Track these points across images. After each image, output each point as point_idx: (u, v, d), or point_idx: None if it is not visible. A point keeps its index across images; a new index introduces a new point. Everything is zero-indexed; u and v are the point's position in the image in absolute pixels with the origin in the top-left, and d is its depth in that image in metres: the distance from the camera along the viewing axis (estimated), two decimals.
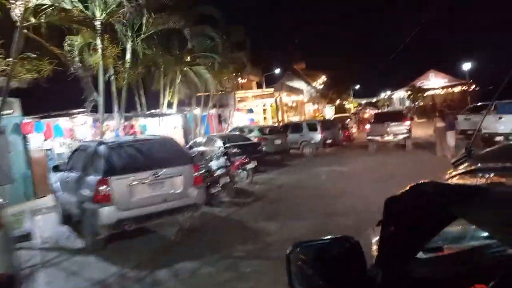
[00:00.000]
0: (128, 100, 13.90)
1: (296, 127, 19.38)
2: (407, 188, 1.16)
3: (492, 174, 1.23)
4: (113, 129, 12.14)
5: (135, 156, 6.17)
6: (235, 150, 14.02)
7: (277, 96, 26.42)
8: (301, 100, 36.10)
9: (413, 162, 13.40)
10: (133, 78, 13.35)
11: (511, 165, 1.20)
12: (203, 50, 16.08)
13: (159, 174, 6.11)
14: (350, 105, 73.36)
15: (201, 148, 14.47)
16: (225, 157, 12.20)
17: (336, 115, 32.95)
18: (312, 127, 18.64)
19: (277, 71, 35.73)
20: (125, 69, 12.02)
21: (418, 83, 53.33)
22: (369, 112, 66.39)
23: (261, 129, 17.36)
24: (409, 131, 17.07)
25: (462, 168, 1.54)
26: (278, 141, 17.13)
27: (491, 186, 1.13)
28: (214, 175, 9.87)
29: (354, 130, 27.08)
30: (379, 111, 30.95)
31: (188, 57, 15.80)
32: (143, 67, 14.31)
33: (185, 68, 15.71)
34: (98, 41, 10.38)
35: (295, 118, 34.47)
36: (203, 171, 9.59)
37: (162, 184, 6.20)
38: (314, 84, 55.52)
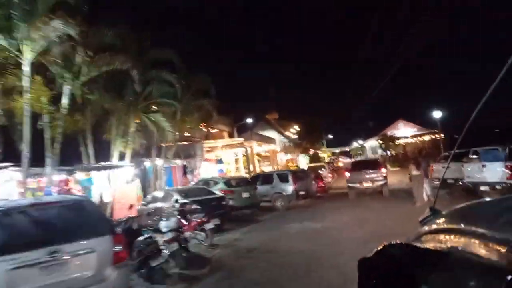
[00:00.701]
0: (73, 152, 12.12)
1: (266, 178, 17.89)
2: (377, 249, 1.23)
3: (453, 236, 1.26)
4: (44, 185, 10.19)
5: (26, 228, 4.39)
6: (194, 206, 12.30)
7: (248, 145, 25.13)
8: (274, 149, 35.04)
9: (393, 214, 12.03)
10: (73, 126, 11.63)
11: (473, 227, 1.19)
12: (162, 97, 14.74)
13: (58, 252, 4.34)
14: (325, 154, 73.48)
15: (158, 204, 12.62)
16: (178, 216, 10.43)
17: (310, 165, 31.86)
18: (283, 178, 17.20)
19: (249, 120, 34.89)
20: (59, 116, 10.35)
21: (388, 132, 54.10)
22: (343, 161, 66.93)
23: (227, 181, 15.74)
24: (386, 178, 17.75)
25: (427, 228, 1.53)
26: (246, 194, 15.49)
27: (452, 251, 1.15)
28: (163, 240, 8.03)
29: (329, 179, 25.82)
30: (356, 159, 30.67)
31: (144, 104, 14.35)
32: (93, 114, 12.78)
33: (140, 117, 14.18)
34: (24, 82, 8.80)
35: (268, 168, 33.18)
36: (143, 237, 7.79)
37: (63, 266, 4.40)
38: (286, 133, 55.27)
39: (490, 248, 1.01)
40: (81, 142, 13.18)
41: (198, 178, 20.21)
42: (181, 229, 9.24)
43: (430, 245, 1.29)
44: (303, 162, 48.95)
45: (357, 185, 17.72)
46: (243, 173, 26.75)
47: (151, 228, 8.65)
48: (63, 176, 11.17)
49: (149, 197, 14.31)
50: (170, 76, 14.20)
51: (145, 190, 16.65)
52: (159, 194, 13.88)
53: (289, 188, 16.81)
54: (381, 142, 52.65)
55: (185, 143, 24.63)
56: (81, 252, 4.54)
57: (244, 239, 11.04)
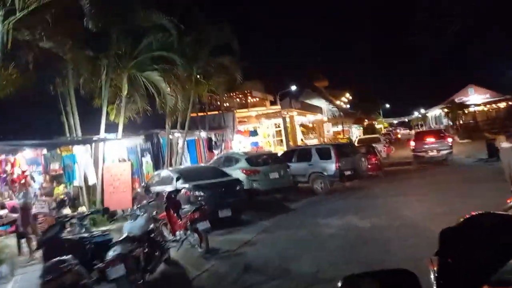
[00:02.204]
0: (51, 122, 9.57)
1: (303, 154, 14.36)
2: (464, 219, 1.20)
3: None
4: None
5: None
6: (197, 192, 9.27)
7: (286, 114, 21.54)
8: (320, 119, 31.00)
9: (485, 201, 8.03)
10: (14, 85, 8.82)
11: None
12: (163, 50, 11.56)
13: None
14: (381, 125, 67.46)
15: (165, 188, 9.77)
16: (155, 212, 7.46)
17: (362, 137, 27.58)
18: (324, 153, 13.56)
19: (294, 87, 30.94)
20: None
21: (456, 99, 47.42)
22: (401, 133, 60.86)
23: (251, 158, 12.50)
24: (451, 147, 18.38)
25: None
26: (274, 175, 12.18)
27: None
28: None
29: (384, 155, 21.59)
30: (419, 130, 28.27)
31: (140, 60, 11.25)
32: (76, 74, 10.05)
33: (135, 77, 11.10)
34: None
35: (314, 141, 29.43)
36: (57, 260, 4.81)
37: None
38: (337, 102, 50.48)
39: None
40: (62, 110, 10.54)
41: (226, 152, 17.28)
42: (153, 234, 6.24)
43: None
44: (356, 134, 44.24)
45: (423, 153, 18.36)
46: (284, 146, 23.29)
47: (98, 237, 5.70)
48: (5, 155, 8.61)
49: (153, 178, 11.52)
50: (168, 22, 10.88)
51: (158, 167, 14.01)
52: (164, 174, 11.02)
53: (331, 166, 13.18)
54: (447, 110, 46.26)
55: (214, 112, 21.70)
56: None
57: (258, 243, 7.82)
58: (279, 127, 25.18)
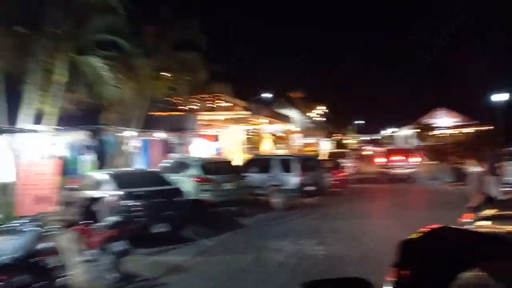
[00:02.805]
0: None
1: (264, 164, 13.12)
2: (424, 231, 1.27)
3: (508, 223, 1.34)
4: None
5: None
6: (131, 203, 7.86)
7: (254, 121, 20.31)
8: (290, 129, 30.00)
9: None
10: None
11: None
12: (107, 33, 10.05)
13: None
14: (353, 141, 67.59)
15: (95, 193, 8.18)
16: (42, 229, 5.92)
17: (330, 151, 26.80)
18: (286, 165, 12.38)
19: (266, 95, 29.82)
20: None
21: (425, 121, 48.10)
22: (371, 149, 61.14)
23: (205, 165, 11.12)
24: (416, 166, 19.86)
25: (481, 214, 1.59)
26: (229, 185, 10.87)
27: (509, 236, 1.20)
28: None
29: (351, 170, 20.73)
30: (390, 147, 28.39)
31: (82, 42, 9.70)
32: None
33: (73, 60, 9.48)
34: None
35: (283, 151, 28.35)
36: None
37: None
38: (311, 114, 49.94)
39: None
40: None
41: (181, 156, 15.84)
42: (39, 258, 4.75)
43: (483, 231, 1.29)
44: (328, 147, 43.65)
45: (390, 170, 19.49)
46: (251, 154, 21.98)
47: None
48: None
49: (85, 180, 9.88)
50: (117, 1, 9.42)
51: (103, 167, 12.38)
52: (97, 176, 9.43)
53: (293, 180, 12.01)
54: (416, 131, 46.71)
55: (177, 113, 20.18)
56: None
57: (190, 269, 6.44)
58: (249, 134, 23.92)
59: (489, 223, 1.44)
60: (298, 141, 30.77)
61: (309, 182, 12.15)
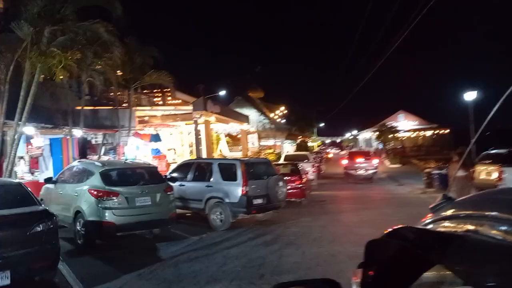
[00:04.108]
0: None
1: (201, 171, 10.26)
2: (387, 232, 1.19)
3: (467, 222, 1.24)
4: None
5: None
6: None
7: (198, 117, 17.34)
8: (246, 129, 27.28)
9: None
10: None
11: (488, 213, 1.16)
12: None
13: None
14: (314, 143, 66.26)
15: None
16: None
17: (290, 153, 24.34)
18: (228, 171, 9.55)
19: (222, 93, 26.94)
20: None
21: (387, 123, 47.78)
22: (333, 152, 60.12)
23: (107, 173, 8.03)
24: (377, 167, 21.48)
25: (440, 214, 1.49)
26: (144, 200, 7.87)
27: (467, 234, 1.13)
28: None
29: (312, 175, 18.34)
30: (352, 150, 27.74)
31: None
32: None
33: None
34: None
35: (238, 154, 25.62)
36: None
37: None
38: (271, 115, 47.65)
39: (507, 230, 0.99)
40: None
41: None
42: None
43: (443, 230, 1.27)
44: (289, 149, 41.43)
45: (353, 171, 20.54)
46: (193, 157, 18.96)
47: None
48: None
49: None
50: None
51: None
52: None
53: (236, 191, 9.19)
54: (378, 134, 45.99)
55: (107, 108, 16.88)
56: None
57: None
58: (200, 135, 20.93)
59: (449, 223, 1.26)
60: (254, 142, 28.13)
61: (257, 193, 9.39)
